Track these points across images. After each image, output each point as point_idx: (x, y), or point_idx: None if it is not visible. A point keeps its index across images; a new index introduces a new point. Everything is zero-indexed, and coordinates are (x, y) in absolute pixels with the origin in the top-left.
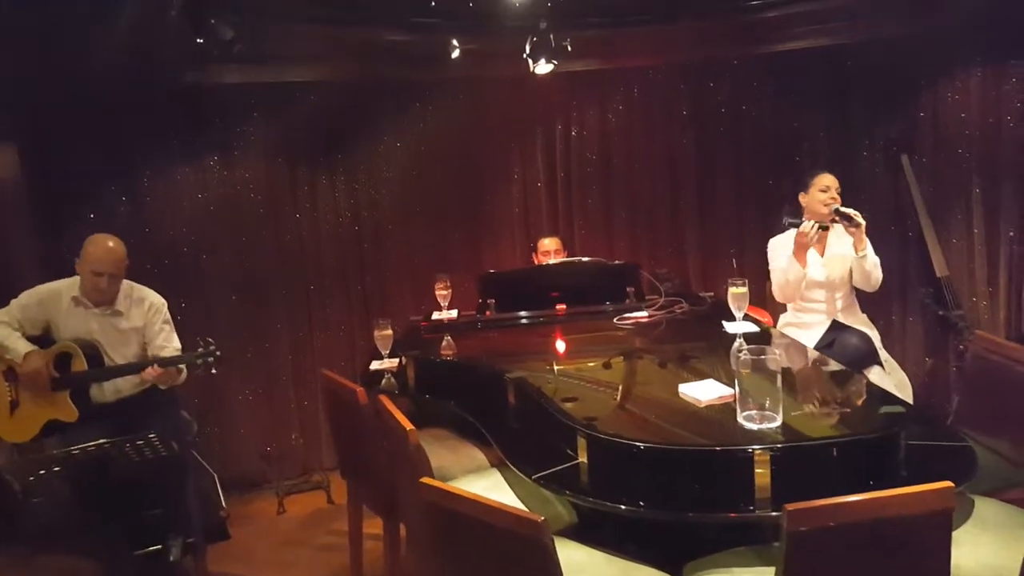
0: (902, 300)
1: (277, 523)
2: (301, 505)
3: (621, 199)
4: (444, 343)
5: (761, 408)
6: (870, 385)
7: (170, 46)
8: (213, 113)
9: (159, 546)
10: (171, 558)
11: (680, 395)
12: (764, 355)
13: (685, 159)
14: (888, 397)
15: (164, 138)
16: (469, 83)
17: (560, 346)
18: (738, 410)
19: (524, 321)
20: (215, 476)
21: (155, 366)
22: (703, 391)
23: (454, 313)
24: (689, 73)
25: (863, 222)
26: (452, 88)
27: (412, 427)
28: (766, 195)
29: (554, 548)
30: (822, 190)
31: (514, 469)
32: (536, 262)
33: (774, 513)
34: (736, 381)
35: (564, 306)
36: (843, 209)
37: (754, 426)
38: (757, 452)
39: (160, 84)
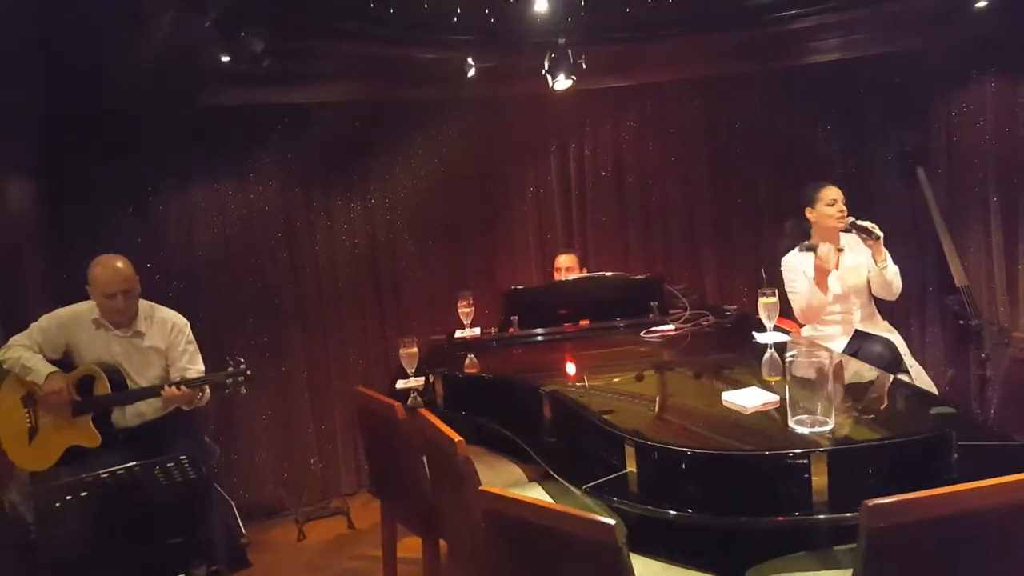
0: (920, 310)
1: (298, 550)
2: (321, 531)
3: (636, 215)
4: (468, 361)
5: (811, 412)
6: (913, 387)
7: (194, 65)
8: (228, 134)
9: (182, 574)
10: None
11: (724, 403)
12: (814, 359)
13: (699, 175)
14: (934, 399)
15: (180, 160)
16: (484, 102)
17: (589, 361)
18: (789, 414)
19: (549, 337)
20: (232, 504)
21: (182, 386)
22: (747, 398)
23: (476, 331)
24: (703, 89)
25: (881, 235)
26: (467, 107)
27: (460, 439)
28: (783, 210)
29: (627, 552)
30: (829, 204)
31: (561, 481)
32: (556, 278)
33: (838, 515)
34: (786, 386)
35: (588, 321)
36: (860, 222)
37: (806, 430)
38: (814, 455)
39: (177, 106)
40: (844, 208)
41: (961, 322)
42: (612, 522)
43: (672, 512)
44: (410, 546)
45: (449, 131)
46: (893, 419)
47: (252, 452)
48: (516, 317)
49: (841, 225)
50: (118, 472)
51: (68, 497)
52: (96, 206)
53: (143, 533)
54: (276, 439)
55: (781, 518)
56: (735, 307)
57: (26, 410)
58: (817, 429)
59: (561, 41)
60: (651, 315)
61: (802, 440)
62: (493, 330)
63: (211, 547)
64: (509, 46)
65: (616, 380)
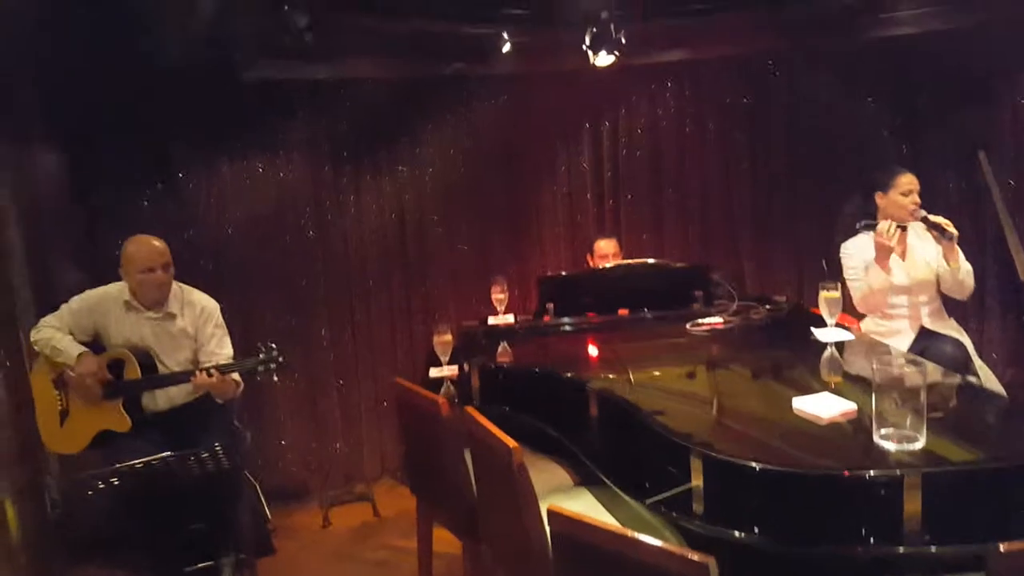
0: (979, 305)
1: (323, 537)
2: (346, 518)
3: (672, 200)
4: (500, 349)
5: (899, 427)
6: (1007, 400)
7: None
8: (259, 111)
9: (210, 563)
10: None
11: (795, 411)
12: (906, 367)
13: (739, 158)
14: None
15: (211, 137)
16: (516, 80)
17: (631, 353)
18: (874, 428)
19: (587, 327)
20: (258, 487)
21: (214, 372)
22: (822, 406)
23: (511, 318)
24: (745, 68)
25: (956, 233)
26: (499, 85)
27: (516, 445)
28: (827, 196)
29: None
30: (904, 193)
31: (620, 492)
32: (591, 264)
33: (933, 548)
34: (873, 396)
35: (627, 311)
36: (933, 218)
37: (893, 447)
38: (908, 477)
39: (210, 82)
40: (919, 200)
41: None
42: (708, 562)
43: (745, 536)
44: (439, 537)
45: (480, 110)
46: (993, 438)
47: (277, 434)
48: (551, 305)
49: (912, 218)
50: (153, 462)
51: (101, 485)
52: (127, 185)
53: (172, 521)
54: (301, 422)
55: (874, 546)
56: (785, 298)
57: (57, 393)
58: (906, 447)
59: (604, 15)
60: (695, 306)
61: (891, 459)
62: (527, 317)
63: (240, 536)
64: (544, 21)
65: (662, 375)
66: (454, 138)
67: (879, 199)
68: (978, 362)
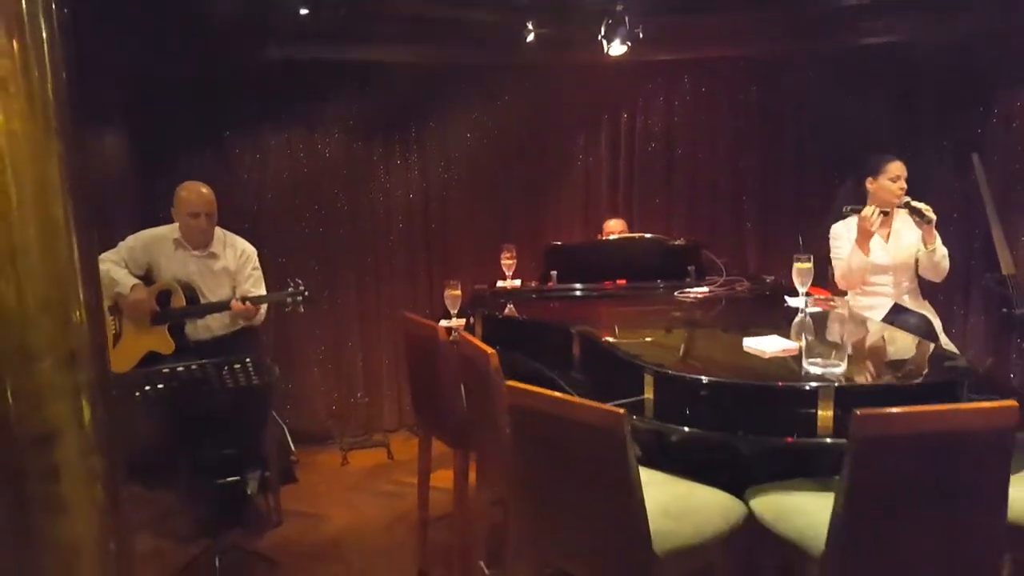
0: (964, 298)
1: (341, 473)
2: (363, 460)
3: (682, 189)
4: (508, 309)
5: (824, 356)
6: (937, 347)
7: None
8: (300, 87)
9: (237, 478)
10: (248, 491)
11: (744, 348)
12: (830, 311)
13: (748, 153)
14: (954, 356)
15: (255, 110)
16: (540, 70)
17: (621, 316)
18: (803, 358)
19: (586, 293)
20: (284, 427)
21: (247, 302)
22: (767, 344)
23: (517, 283)
24: (757, 66)
25: (934, 217)
26: (522, 74)
27: (492, 351)
28: (830, 192)
29: (631, 439)
30: (892, 179)
31: None
32: None
33: (836, 440)
34: (802, 332)
35: (624, 281)
36: (915, 204)
37: (819, 370)
38: (822, 389)
39: (254, 59)
40: (905, 186)
41: (1005, 311)
42: (621, 411)
43: (680, 428)
44: (443, 477)
45: (505, 96)
46: (910, 369)
47: (305, 383)
48: (555, 272)
49: (898, 202)
50: (192, 367)
51: (147, 387)
52: (177, 150)
53: (206, 435)
54: (327, 373)
55: (783, 437)
56: (773, 277)
57: (111, 318)
58: (830, 370)
59: (620, 7)
60: (687, 279)
61: (812, 377)
62: (533, 283)
63: (265, 455)
64: (568, 12)
65: (641, 328)
66: (479, 122)
67: (869, 184)
68: (944, 339)
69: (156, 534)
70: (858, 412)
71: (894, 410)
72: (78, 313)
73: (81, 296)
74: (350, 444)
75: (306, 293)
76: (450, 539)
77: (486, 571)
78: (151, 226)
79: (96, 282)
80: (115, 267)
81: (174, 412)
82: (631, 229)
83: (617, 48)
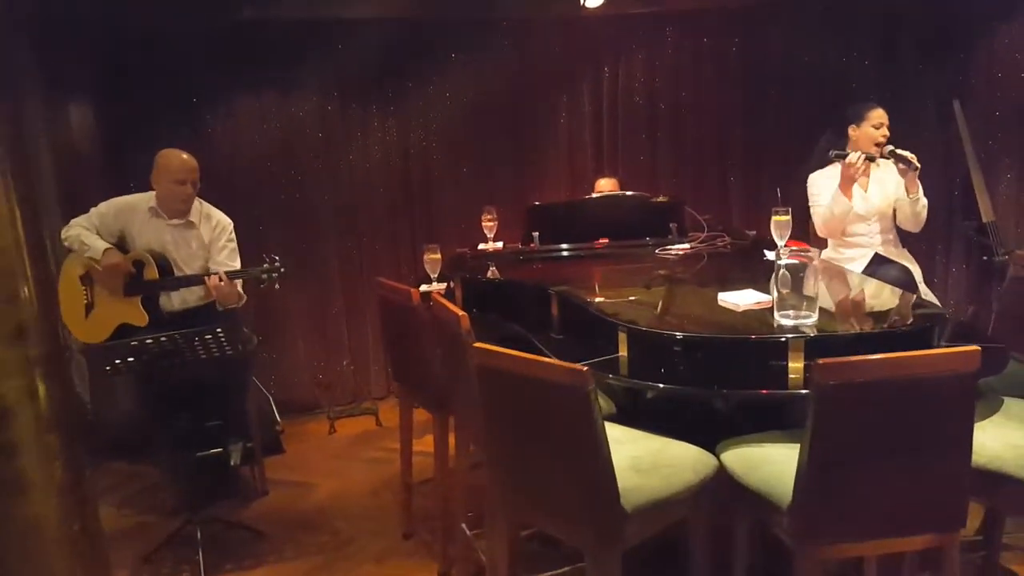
0: (946, 246)
1: (328, 441)
2: (351, 427)
3: (667, 144)
4: (489, 272)
5: (798, 309)
6: (914, 296)
7: None
8: (271, 49)
9: (219, 449)
10: (231, 462)
11: (719, 302)
12: (803, 262)
13: (733, 106)
14: (928, 304)
15: (226, 73)
16: (519, 25)
17: (603, 275)
18: (775, 310)
19: (569, 253)
20: (270, 397)
21: (222, 276)
22: (741, 298)
23: (499, 245)
24: (740, 18)
25: (919, 166)
26: (502, 29)
27: (464, 313)
28: (815, 144)
29: (596, 396)
30: (875, 126)
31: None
32: None
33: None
34: (775, 286)
35: (607, 240)
36: (900, 152)
37: (791, 322)
38: (792, 339)
39: (222, 19)
40: (888, 133)
41: (985, 258)
42: (584, 368)
43: (655, 384)
44: (429, 442)
45: (483, 52)
46: (883, 317)
47: (290, 353)
48: (537, 233)
49: (878, 149)
50: (161, 339)
51: (117, 361)
52: (145, 117)
53: (183, 408)
54: (312, 342)
55: (755, 390)
56: (754, 232)
57: (83, 287)
58: (801, 322)
59: None
60: (670, 236)
61: (784, 329)
62: (515, 245)
63: (247, 425)
64: None
65: (620, 286)
66: (459, 80)
67: (852, 131)
68: (923, 289)
69: (139, 509)
70: (819, 361)
71: (854, 359)
72: (26, 288)
73: (28, 271)
74: (338, 412)
75: (282, 269)
76: (434, 503)
77: (468, 533)
78: (119, 195)
79: (45, 256)
80: (86, 232)
81: (148, 385)
82: (621, 187)
83: (594, 0)
